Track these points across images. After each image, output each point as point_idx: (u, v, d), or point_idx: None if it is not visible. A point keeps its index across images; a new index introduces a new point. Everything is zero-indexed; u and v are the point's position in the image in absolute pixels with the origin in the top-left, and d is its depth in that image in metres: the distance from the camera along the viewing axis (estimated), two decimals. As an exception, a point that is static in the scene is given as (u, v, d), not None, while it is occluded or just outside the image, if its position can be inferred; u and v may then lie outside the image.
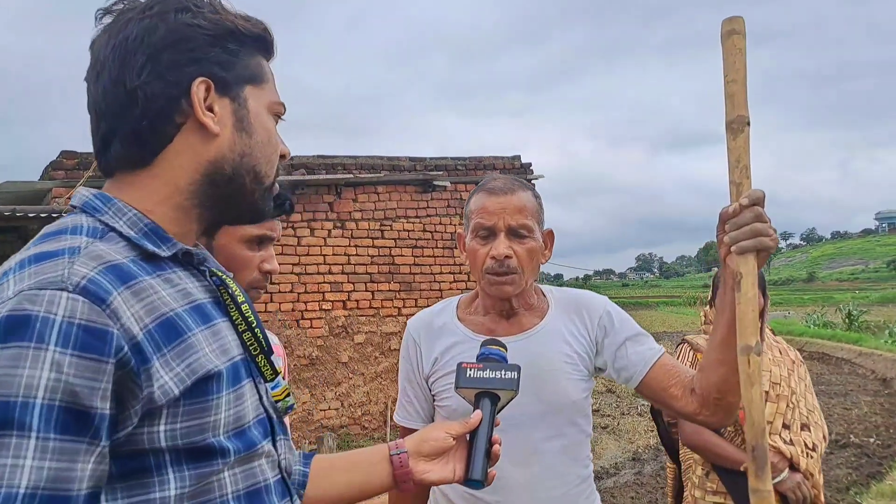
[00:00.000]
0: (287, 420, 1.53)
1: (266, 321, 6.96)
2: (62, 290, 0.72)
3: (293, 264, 7.14)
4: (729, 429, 2.40)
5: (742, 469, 2.27)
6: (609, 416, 8.89)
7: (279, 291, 7.06)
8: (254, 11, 0.94)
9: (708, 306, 2.71)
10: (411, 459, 1.12)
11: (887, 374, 11.63)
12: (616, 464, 6.88)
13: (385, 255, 7.64)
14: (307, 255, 7.22)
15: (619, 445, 7.59)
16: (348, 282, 7.44)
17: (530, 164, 8.56)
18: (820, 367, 13.32)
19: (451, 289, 7.97)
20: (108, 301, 0.73)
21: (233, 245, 1.36)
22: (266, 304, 6.99)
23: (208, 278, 0.90)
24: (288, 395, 1.00)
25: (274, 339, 1.61)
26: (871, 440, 7.33)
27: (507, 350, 1.29)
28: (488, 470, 1.14)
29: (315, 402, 7.28)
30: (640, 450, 7.29)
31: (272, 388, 0.96)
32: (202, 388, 0.79)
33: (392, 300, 7.68)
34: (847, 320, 19.93)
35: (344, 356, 7.41)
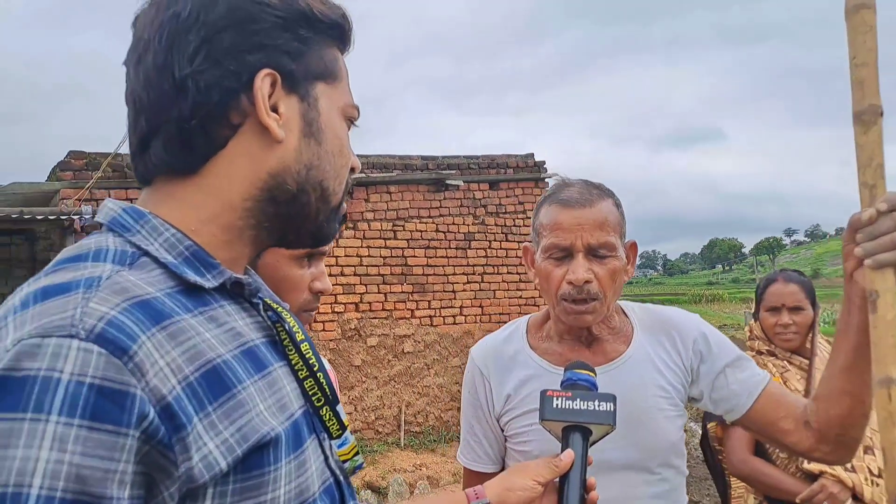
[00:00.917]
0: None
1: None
2: (72, 336, 0.55)
3: (304, 266, 6.98)
4: (782, 456, 2.21)
5: (798, 501, 2.10)
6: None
7: (290, 294, 6.90)
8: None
9: (753, 320, 2.50)
10: None
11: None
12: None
13: (398, 256, 7.48)
14: (319, 256, 7.05)
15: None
16: (360, 283, 7.28)
17: (544, 163, 8.39)
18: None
19: (464, 290, 7.81)
20: (132, 351, 0.57)
21: (281, 263, 1.19)
22: (277, 306, 6.83)
23: (262, 312, 0.74)
24: (357, 453, 0.83)
25: (325, 364, 1.45)
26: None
27: (596, 375, 1.12)
28: None
29: (327, 406, 7.12)
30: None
31: (339, 446, 0.80)
32: (257, 457, 0.63)
33: (405, 302, 7.52)
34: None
35: (357, 359, 7.26)
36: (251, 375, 0.66)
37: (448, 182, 7.66)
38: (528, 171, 8.25)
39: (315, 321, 7.03)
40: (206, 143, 0.70)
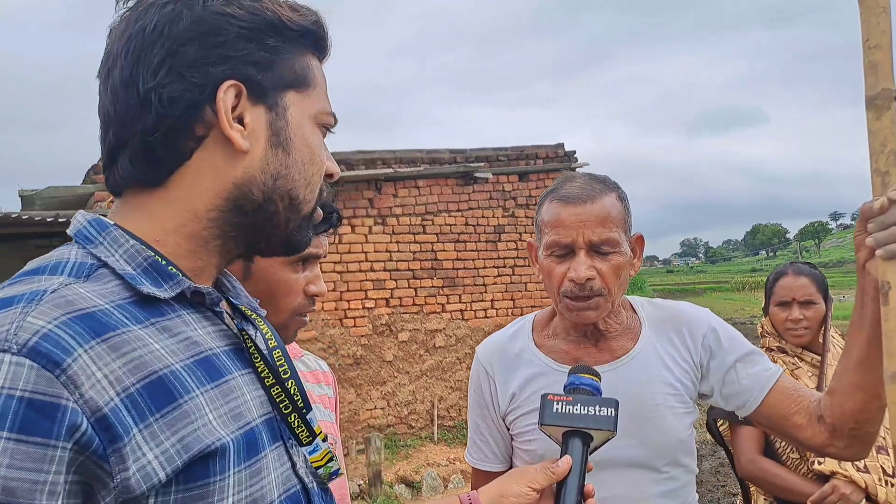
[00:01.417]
0: (339, 483, 1.32)
1: (309, 321, 6.87)
2: (4, 351, 0.57)
3: (335, 262, 7.03)
4: (792, 455, 2.12)
5: (809, 503, 2.01)
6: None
7: (321, 290, 6.94)
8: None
9: (764, 315, 2.40)
10: None
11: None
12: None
13: (427, 251, 7.47)
14: (348, 252, 7.10)
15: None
16: (391, 279, 7.30)
17: (574, 152, 8.29)
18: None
19: (494, 283, 7.77)
20: (66, 364, 0.58)
21: (274, 268, 1.19)
22: (308, 303, 6.89)
23: (226, 321, 0.75)
24: (331, 459, 0.81)
25: (322, 366, 1.44)
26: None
27: (600, 379, 1.09)
28: None
29: (361, 401, 7.17)
30: (697, 445, 7.02)
31: (310, 453, 0.79)
32: (200, 468, 0.63)
33: (435, 296, 7.52)
34: (908, 303, 19.06)
35: (388, 354, 7.29)
36: (203, 385, 0.66)
37: (476, 175, 7.61)
38: (557, 161, 8.15)
39: (345, 317, 7.08)
40: (170, 155, 0.71)
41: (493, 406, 1.41)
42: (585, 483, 1.00)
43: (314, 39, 0.77)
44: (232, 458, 0.65)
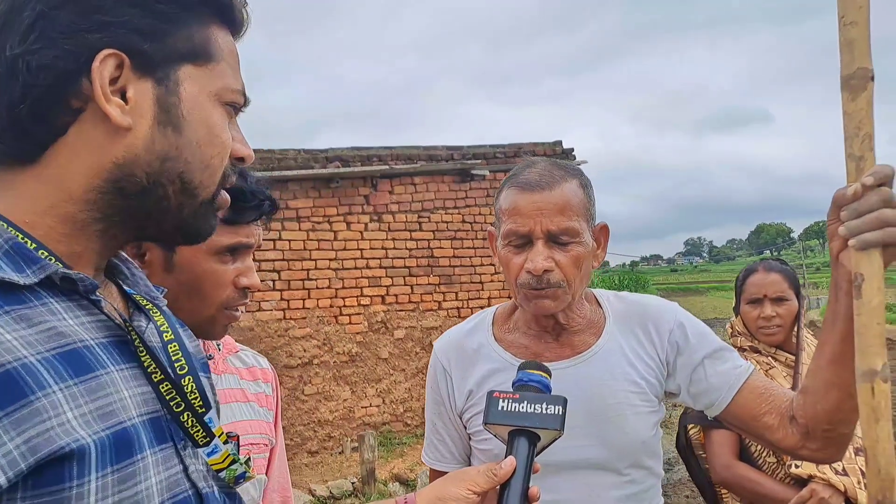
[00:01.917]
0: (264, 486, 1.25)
1: (304, 318, 6.84)
2: None
3: (330, 259, 6.98)
4: (769, 459, 2.06)
5: None
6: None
7: (317, 287, 6.91)
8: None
9: (734, 315, 2.31)
10: None
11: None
12: (669, 459, 6.57)
13: (423, 248, 7.43)
14: (344, 249, 7.05)
15: (671, 440, 7.26)
16: (386, 276, 7.25)
17: (572, 150, 8.23)
18: (888, 355, 12.72)
19: (492, 281, 7.72)
20: None
21: (199, 258, 1.11)
22: (304, 300, 6.86)
23: (109, 310, 0.68)
24: (233, 462, 0.75)
25: (260, 363, 1.37)
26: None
27: (550, 376, 1.03)
28: None
29: (356, 399, 7.13)
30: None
31: (209, 455, 0.73)
32: (52, 472, 0.56)
33: (432, 294, 7.47)
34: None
35: (384, 352, 7.25)
36: (63, 380, 0.59)
37: (473, 172, 7.56)
38: (556, 158, 8.09)
39: (341, 314, 7.03)
40: (42, 129, 0.65)
41: (449, 404, 1.36)
42: (531, 485, 0.94)
43: (219, 8, 0.70)
44: (94, 462, 0.58)
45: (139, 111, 0.66)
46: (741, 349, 2.22)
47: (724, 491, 2.20)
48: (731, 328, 2.31)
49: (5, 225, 0.64)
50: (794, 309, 2.17)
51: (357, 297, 7.11)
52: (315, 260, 6.91)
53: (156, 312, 0.74)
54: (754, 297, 2.19)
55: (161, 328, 0.73)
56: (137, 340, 0.68)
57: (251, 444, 1.25)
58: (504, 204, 1.25)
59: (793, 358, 2.14)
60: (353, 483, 6.04)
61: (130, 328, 0.68)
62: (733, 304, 2.34)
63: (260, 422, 1.29)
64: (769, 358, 2.17)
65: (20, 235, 0.64)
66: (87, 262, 0.69)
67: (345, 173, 6.96)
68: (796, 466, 1.98)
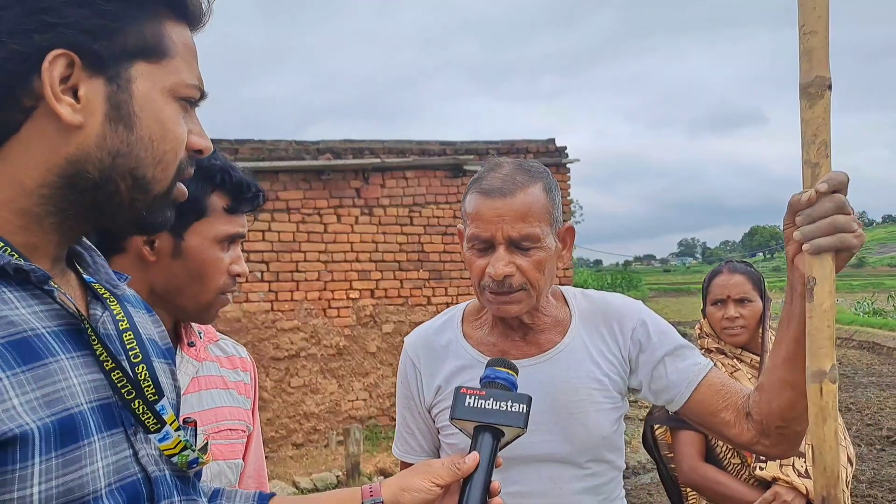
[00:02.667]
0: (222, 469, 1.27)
1: (292, 310, 6.84)
2: None
3: (320, 252, 6.99)
4: (734, 461, 2.09)
5: None
6: (646, 407, 8.59)
7: (305, 280, 6.92)
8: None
9: (702, 316, 2.34)
10: None
11: (944, 365, 11.06)
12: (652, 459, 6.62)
13: (414, 243, 7.44)
14: (334, 242, 7.06)
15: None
16: (376, 270, 7.26)
17: (565, 148, 8.24)
18: (870, 357, 12.86)
19: (482, 277, 7.74)
20: None
21: (206, 246, 1.19)
22: (292, 292, 6.86)
23: (63, 299, 0.70)
24: (185, 448, 0.77)
25: (239, 352, 1.42)
26: (928, 437, 6.92)
27: (517, 374, 1.06)
28: None
29: (343, 392, 7.14)
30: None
31: (160, 441, 0.75)
32: None
33: (421, 289, 7.48)
34: (900, 308, 19.13)
35: (372, 346, 7.26)
36: (11, 367, 0.62)
37: (466, 168, 7.57)
38: (548, 156, 8.11)
39: (329, 307, 7.04)
40: None
41: (419, 399, 1.40)
42: (493, 480, 0.97)
43: (171, 4, 0.72)
44: (38, 446, 0.61)
45: (90, 109, 0.68)
46: (708, 350, 2.25)
47: (689, 490, 2.24)
48: (700, 329, 2.34)
49: None
50: (759, 310, 2.19)
51: (346, 290, 7.11)
52: (304, 252, 6.91)
53: (113, 301, 0.76)
54: (718, 298, 2.22)
55: (117, 316, 0.75)
56: (90, 329, 0.70)
57: (230, 429, 1.31)
58: (468, 207, 1.28)
59: (758, 359, 2.17)
60: (337, 476, 6.06)
61: (84, 317, 0.70)
62: (701, 307, 2.37)
63: (239, 409, 1.34)
64: (734, 360, 2.20)
65: None
66: (43, 252, 0.71)
67: (336, 166, 6.96)
68: (760, 469, 2.01)
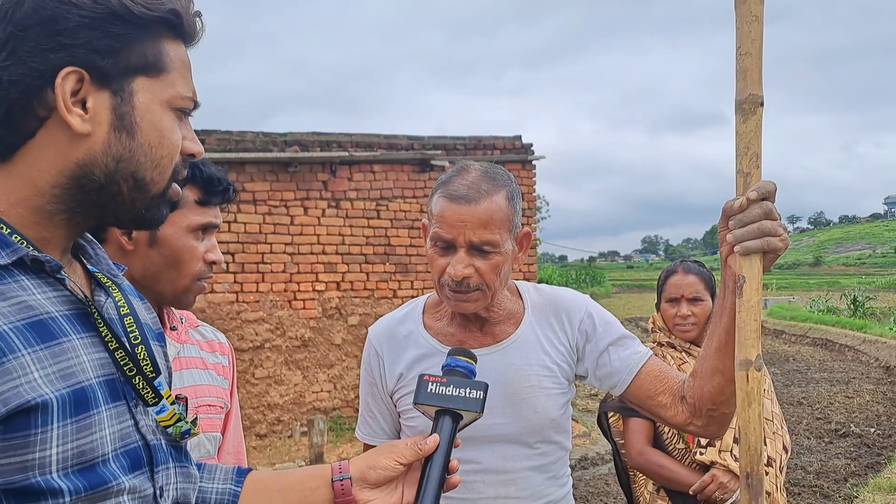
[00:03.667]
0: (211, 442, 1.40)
1: (257, 301, 6.83)
2: None
3: (286, 244, 6.98)
4: (678, 446, 2.24)
5: (691, 493, 2.16)
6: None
7: (271, 272, 6.91)
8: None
9: (656, 311, 2.48)
10: (355, 486, 1.01)
11: (891, 362, 11.51)
12: (611, 449, 6.78)
13: (381, 236, 7.48)
14: (300, 234, 7.06)
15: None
16: (342, 262, 7.29)
17: (531, 145, 8.35)
18: (823, 354, 13.26)
19: (448, 271, 7.81)
20: None
21: (180, 235, 1.29)
22: (258, 284, 6.85)
23: (72, 287, 0.79)
24: (178, 420, 0.87)
25: (218, 337, 1.52)
26: (872, 430, 7.24)
27: (476, 363, 1.15)
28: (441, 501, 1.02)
29: (307, 384, 7.16)
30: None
31: (157, 413, 0.84)
32: (20, 421, 0.69)
33: (387, 282, 7.53)
34: (852, 306, 19.76)
35: (337, 338, 7.29)
36: (31, 346, 0.71)
37: (433, 162, 7.63)
38: (515, 152, 8.21)
39: (295, 299, 7.05)
40: (13, 133, 0.76)
41: (381, 385, 1.48)
42: (452, 459, 1.05)
43: (170, 25, 0.80)
44: (55, 413, 0.70)
45: (97, 119, 0.77)
46: (660, 344, 2.38)
47: (638, 475, 2.37)
48: (652, 323, 2.46)
49: None
50: (709, 308, 2.32)
51: (312, 282, 7.13)
52: (270, 244, 6.90)
53: (114, 289, 0.85)
54: (672, 297, 2.35)
55: (118, 303, 0.83)
56: (96, 313, 0.79)
57: (209, 405, 1.41)
58: (434, 208, 1.36)
59: None
60: (300, 467, 6.10)
61: (90, 302, 0.79)
62: (655, 301, 2.50)
63: (217, 387, 1.44)
64: (683, 353, 2.33)
65: None
66: (54, 245, 0.80)
67: (304, 158, 6.95)
68: (700, 454, 2.16)
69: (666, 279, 2.40)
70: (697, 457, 2.17)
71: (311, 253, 7.12)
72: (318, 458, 6.02)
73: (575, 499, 1.53)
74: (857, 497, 5.17)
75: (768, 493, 2.15)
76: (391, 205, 7.52)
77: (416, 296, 7.58)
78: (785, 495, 2.26)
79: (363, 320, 7.40)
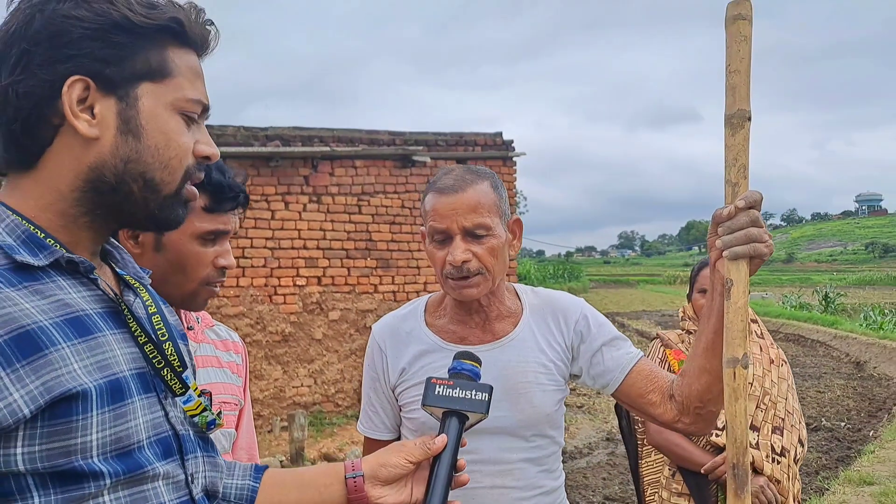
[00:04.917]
0: (232, 435, 1.45)
1: (237, 296, 6.81)
2: None
3: (266, 238, 6.97)
4: None
5: (703, 471, 2.29)
6: (584, 395, 8.89)
7: (252, 266, 6.89)
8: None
9: (687, 301, 2.65)
10: (367, 483, 1.06)
11: (861, 357, 11.77)
12: (590, 444, 6.89)
13: (362, 231, 7.49)
14: (281, 229, 7.04)
15: (593, 425, 7.60)
16: (323, 257, 7.28)
17: (512, 141, 8.40)
18: (795, 349, 13.49)
19: (429, 266, 7.82)
20: None
21: (184, 241, 1.30)
22: (238, 278, 6.83)
23: (104, 287, 0.84)
24: (204, 410, 0.92)
25: (232, 336, 1.56)
26: (842, 424, 7.40)
27: (481, 365, 1.20)
28: (449, 499, 1.07)
29: (287, 378, 7.16)
30: (614, 430, 7.28)
31: (185, 403, 0.90)
32: (63, 408, 0.74)
33: (368, 277, 7.55)
34: (824, 302, 20.15)
35: (318, 333, 7.29)
36: (70, 339, 0.76)
37: (415, 158, 7.65)
38: (496, 149, 8.26)
39: (275, 294, 7.04)
40: (32, 141, 0.81)
41: (384, 379, 1.53)
42: (459, 458, 1.09)
43: (173, 34, 0.84)
44: (94, 402, 0.75)
45: (105, 124, 0.81)
46: (688, 332, 2.55)
47: (649, 459, 2.55)
48: (683, 312, 2.64)
49: (20, 219, 0.81)
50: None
51: (293, 277, 7.12)
52: (251, 238, 6.88)
53: (142, 289, 0.91)
54: (704, 288, 2.47)
55: (146, 302, 0.89)
56: (126, 311, 0.84)
57: (223, 402, 1.44)
58: (427, 206, 1.44)
59: None
60: (281, 461, 6.10)
61: (121, 301, 0.84)
62: (687, 293, 2.66)
63: (231, 384, 1.48)
64: None
65: (31, 227, 0.80)
66: (83, 248, 0.85)
67: (285, 153, 6.93)
68: (717, 436, 2.30)
69: (699, 271, 2.54)
70: (712, 439, 2.31)
71: (292, 248, 7.11)
72: (298, 453, 6.03)
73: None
74: (827, 489, 5.30)
75: (777, 482, 2.28)
76: (372, 200, 7.53)
77: (398, 291, 7.64)
78: (798, 484, 2.39)
79: (344, 315, 7.41)
